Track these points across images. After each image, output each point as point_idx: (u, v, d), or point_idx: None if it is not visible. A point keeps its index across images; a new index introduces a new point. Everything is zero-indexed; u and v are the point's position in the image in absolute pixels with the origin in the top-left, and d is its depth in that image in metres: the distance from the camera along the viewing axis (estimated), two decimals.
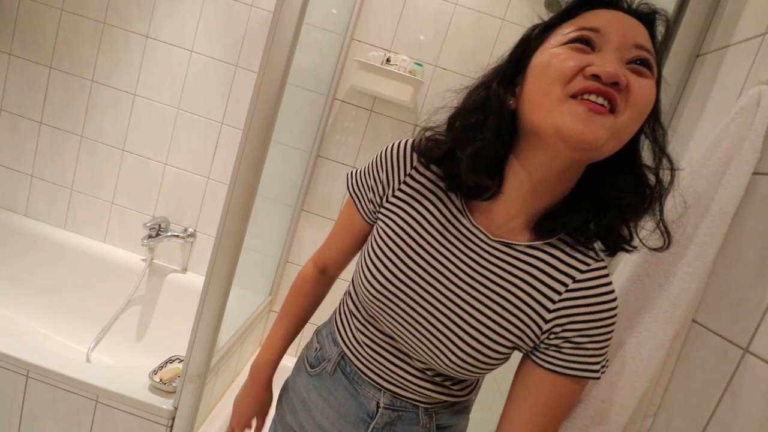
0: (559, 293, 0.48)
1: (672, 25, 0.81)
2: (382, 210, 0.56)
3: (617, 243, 0.48)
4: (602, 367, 0.49)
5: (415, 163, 0.54)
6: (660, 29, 0.45)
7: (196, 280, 1.64)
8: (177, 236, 1.62)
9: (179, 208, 1.65)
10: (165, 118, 1.59)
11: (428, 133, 0.52)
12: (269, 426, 0.75)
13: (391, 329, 0.55)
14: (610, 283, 0.49)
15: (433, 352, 0.51)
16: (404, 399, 0.58)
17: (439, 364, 0.51)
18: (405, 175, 0.54)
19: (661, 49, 0.45)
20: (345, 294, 0.65)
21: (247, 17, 1.51)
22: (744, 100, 0.57)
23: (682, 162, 0.77)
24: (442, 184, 0.53)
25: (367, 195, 0.58)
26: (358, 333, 0.59)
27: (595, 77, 0.40)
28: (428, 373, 0.56)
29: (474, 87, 0.51)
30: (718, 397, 0.54)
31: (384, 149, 0.56)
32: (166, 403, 1.02)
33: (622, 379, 0.61)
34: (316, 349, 0.65)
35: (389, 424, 0.59)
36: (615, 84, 0.40)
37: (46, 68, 1.58)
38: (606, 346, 0.49)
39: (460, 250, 0.51)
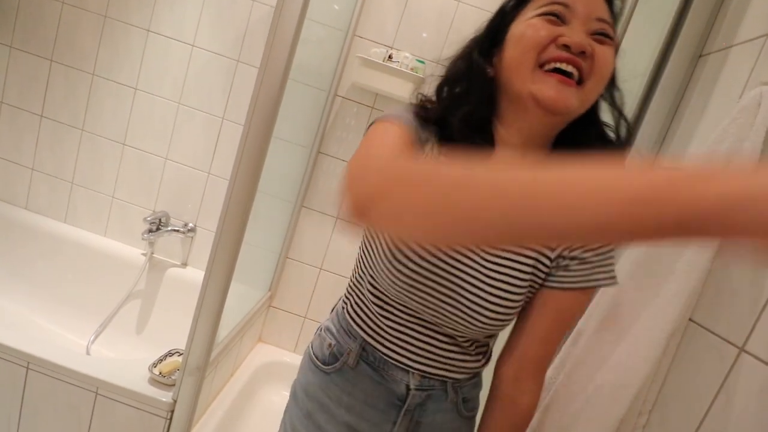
0: None
1: (675, 26, 0.81)
2: None
3: None
4: (611, 277, 0.54)
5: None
6: (617, 2, 0.52)
7: (195, 274, 1.64)
8: (177, 231, 1.62)
9: (179, 203, 1.65)
10: (166, 112, 1.59)
11: (420, 101, 0.57)
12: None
13: (421, 303, 0.55)
14: None
15: (466, 313, 0.54)
16: (433, 376, 0.59)
17: (472, 322, 0.54)
18: (426, 140, 0.54)
19: (619, 18, 0.52)
20: (353, 287, 0.64)
21: (249, 12, 1.51)
22: (745, 100, 0.57)
23: (682, 162, 0.77)
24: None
25: (418, 137, 0.52)
26: (381, 319, 0.59)
27: (566, 47, 0.46)
28: (458, 339, 0.58)
29: (455, 58, 0.57)
30: (713, 395, 0.55)
31: (408, 110, 0.54)
32: (165, 396, 1.02)
33: (618, 376, 0.62)
34: (329, 345, 0.64)
35: (420, 405, 0.60)
36: (582, 53, 0.46)
37: (47, 61, 1.58)
38: (610, 257, 0.54)
39: None
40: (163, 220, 1.61)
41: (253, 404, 1.51)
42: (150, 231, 1.56)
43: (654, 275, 0.62)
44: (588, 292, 0.55)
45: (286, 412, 0.70)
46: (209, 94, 1.57)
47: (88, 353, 1.49)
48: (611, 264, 0.54)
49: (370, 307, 0.60)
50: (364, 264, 0.60)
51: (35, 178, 1.67)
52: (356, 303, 0.63)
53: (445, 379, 0.60)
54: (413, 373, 0.59)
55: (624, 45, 0.90)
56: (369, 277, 0.59)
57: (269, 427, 0.74)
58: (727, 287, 0.57)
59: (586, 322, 0.71)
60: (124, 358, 1.17)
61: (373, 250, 0.57)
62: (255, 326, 1.60)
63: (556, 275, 0.54)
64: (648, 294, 0.61)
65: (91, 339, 1.52)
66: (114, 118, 1.60)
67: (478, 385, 0.66)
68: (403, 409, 0.60)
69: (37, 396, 1.05)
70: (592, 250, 0.53)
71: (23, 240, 1.64)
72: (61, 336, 1.57)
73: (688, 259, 0.57)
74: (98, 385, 1.02)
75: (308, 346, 0.69)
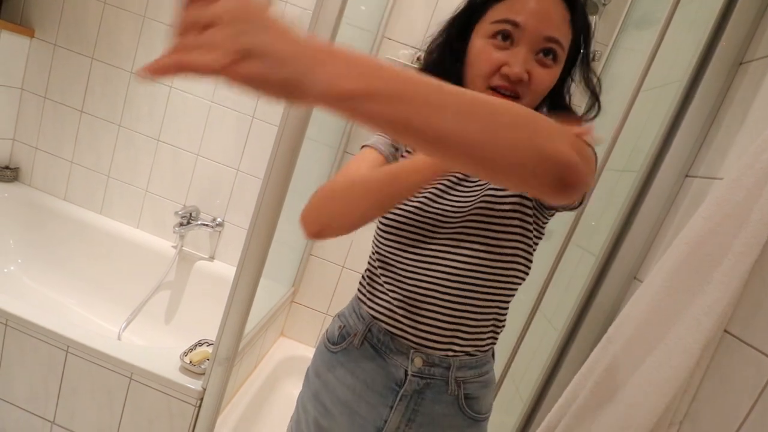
0: None
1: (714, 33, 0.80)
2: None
3: None
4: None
5: None
6: (579, 14, 0.56)
7: (222, 268, 1.69)
8: (206, 225, 1.67)
9: (209, 198, 1.70)
10: (199, 110, 1.64)
11: None
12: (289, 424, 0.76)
13: (431, 248, 0.60)
14: None
15: (471, 249, 0.58)
16: (434, 353, 0.60)
17: (478, 257, 0.58)
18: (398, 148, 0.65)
19: (583, 10, 0.57)
20: (367, 272, 0.68)
21: (281, 14, 1.54)
22: None
23: (719, 171, 0.76)
24: None
25: (390, 152, 0.65)
26: (390, 292, 0.62)
27: (506, 76, 0.54)
28: (459, 310, 0.60)
29: (427, 52, 0.65)
30: (749, 408, 0.54)
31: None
32: (195, 384, 1.06)
33: (650, 385, 0.61)
34: (339, 328, 0.67)
35: (417, 392, 0.61)
36: (519, 81, 0.54)
37: (89, 59, 1.65)
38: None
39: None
40: (193, 214, 1.66)
41: (275, 396, 1.54)
42: (181, 225, 1.62)
43: (690, 285, 0.61)
44: None
45: (299, 396, 0.74)
46: (240, 93, 1.60)
47: (119, 340, 1.56)
48: None
49: (381, 285, 0.63)
50: (375, 242, 0.65)
51: (74, 171, 1.74)
52: (368, 285, 0.66)
53: (448, 357, 0.60)
54: (414, 355, 0.60)
55: (661, 50, 0.89)
56: (379, 251, 0.64)
57: (289, 420, 0.77)
58: (765, 299, 0.56)
59: (617, 329, 0.70)
60: (154, 346, 1.22)
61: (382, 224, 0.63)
62: (278, 321, 1.64)
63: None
64: (683, 304, 0.61)
65: (123, 326, 1.58)
66: (149, 115, 1.66)
67: (488, 386, 0.65)
68: (400, 394, 0.60)
69: (75, 378, 1.10)
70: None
71: (61, 230, 1.72)
72: (93, 322, 1.64)
73: (726, 270, 0.57)
74: (133, 371, 1.07)
75: (324, 332, 0.72)
